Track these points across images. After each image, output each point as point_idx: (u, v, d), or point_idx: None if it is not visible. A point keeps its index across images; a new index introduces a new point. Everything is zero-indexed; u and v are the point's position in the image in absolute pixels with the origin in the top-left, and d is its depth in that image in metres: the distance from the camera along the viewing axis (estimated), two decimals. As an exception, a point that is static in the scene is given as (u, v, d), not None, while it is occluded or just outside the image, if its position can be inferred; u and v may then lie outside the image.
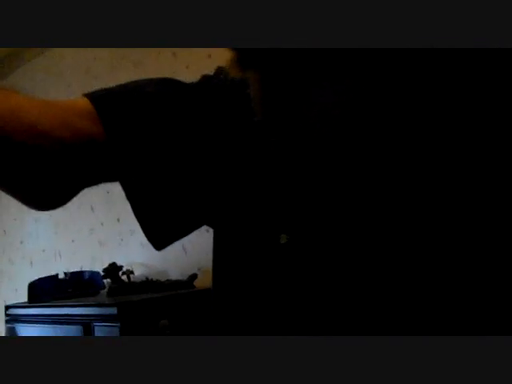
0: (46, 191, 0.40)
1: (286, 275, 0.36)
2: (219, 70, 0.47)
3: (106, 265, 1.64)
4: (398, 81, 0.34)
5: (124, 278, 1.52)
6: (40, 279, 1.61)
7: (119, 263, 1.57)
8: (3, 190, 0.39)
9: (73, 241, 2.04)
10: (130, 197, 0.42)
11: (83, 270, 1.73)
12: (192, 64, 1.74)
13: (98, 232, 1.91)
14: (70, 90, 2.20)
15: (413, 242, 0.32)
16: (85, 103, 0.40)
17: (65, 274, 1.66)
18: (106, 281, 1.56)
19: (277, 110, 0.38)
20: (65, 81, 2.23)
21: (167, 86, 0.44)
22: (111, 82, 1.71)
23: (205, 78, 0.46)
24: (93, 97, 0.41)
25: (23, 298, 1.86)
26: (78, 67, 2.16)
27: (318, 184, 0.36)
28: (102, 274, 1.53)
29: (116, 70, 1.99)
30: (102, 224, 1.90)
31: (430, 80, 0.33)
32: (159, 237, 0.44)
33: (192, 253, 1.54)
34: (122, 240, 1.80)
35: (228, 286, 0.42)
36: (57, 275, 1.65)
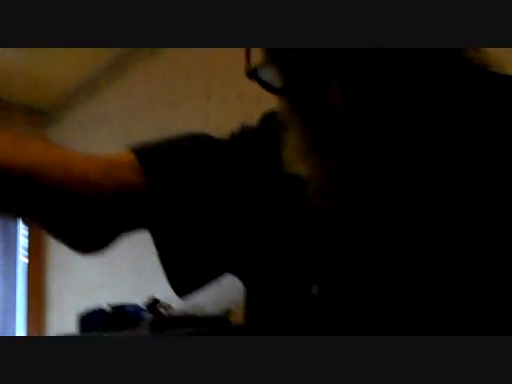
0: (90, 237, 0.43)
1: (317, 325, 0.38)
2: (244, 127, 0.50)
3: (145, 296, 1.73)
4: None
5: (163, 311, 1.61)
6: (88, 311, 1.73)
7: (157, 295, 1.65)
8: (49, 234, 0.42)
9: (115, 272, 2.16)
10: (157, 245, 0.44)
11: (125, 302, 1.83)
12: (223, 105, 1.85)
13: (138, 264, 2.02)
14: (113, 132, 2.37)
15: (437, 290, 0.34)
16: (129, 157, 0.43)
17: (108, 306, 1.76)
18: (146, 314, 1.65)
19: (315, 160, 0.38)
20: (108, 123, 2.40)
21: (200, 142, 0.47)
22: (150, 123, 1.85)
23: (233, 135, 0.49)
24: (136, 151, 0.44)
25: (70, 326, 1.98)
26: (121, 111, 2.33)
27: (348, 237, 0.38)
28: (143, 307, 1.62)
29: (155, 112, 2.14)
30: (142, 256, 2.00)
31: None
32: (183, 286, 0.46)
33: (226, 287, 1.60)
34: (160, 272, 1.89)
35: (260, 333, 0.43)
36: (102, 307, 1.75)
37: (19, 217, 0.43)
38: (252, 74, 0.36)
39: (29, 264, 2.60)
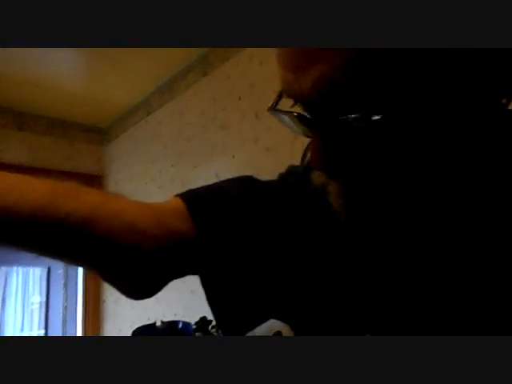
0: (139, 284, 0.43)
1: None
2: (291, 168, 0.50)
3: (196, 313, 1.78)
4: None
5: (214, 332, 1.64)
6: (142, 327, 1.80)
7: (208, 313, 1.69)
8: (102, 280, 0.43)
9: (167, 289, 2.23)
10: (207, 289, 0.45)
11: (176, 319, 1.88)
12: (273, 126, 1.87)
13: (189, 282, 2.07)
14: (166, 150, 2.46)
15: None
16: (177, 204, 0.44)
17: (161, 322, 1.82)
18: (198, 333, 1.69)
19: (359, 217, 0.38)
20: (162, 142, 2.49)
21: (249, 188, 0.47)
22: (201, 143, 1.89)
23: (280, 178, 0.50)
24: (184, 198, 0.45)
25: (126, 338, 2.06)
26: (173, 130, 2.41)
27: (401, 283, 0.38)
28: (194, 326, 1.66)
29: (206, 132, 2.19)
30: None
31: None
32: (232, 329, 0.46)
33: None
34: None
35: None
36: (154, 323, 1.82)
37: (72, 263, 0.44)
38: (273, 110, 0.38)
39: (86, 276, 2.75)
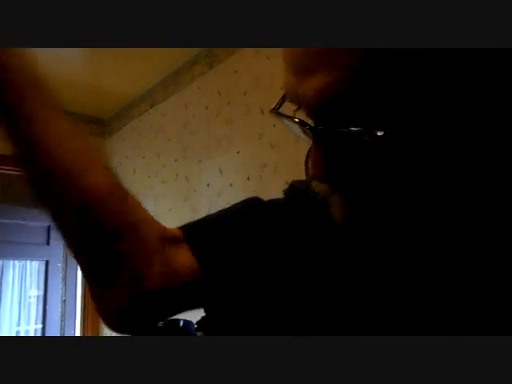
0: (133, 322, 0.44)
1: None
2: (294, 185, 0.49)
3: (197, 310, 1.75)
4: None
5: (215, 331, 1.61)
6: (141, 325, 1.77)
7: (210, 311, 1.66)
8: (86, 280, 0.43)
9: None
10: (211, 320, 0.45)
11: (177, 316, 1.86)
12: (278, 122, 1.83)
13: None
14: (170, 144, 2.42)
15: None
16: (181, 237, 0.44)
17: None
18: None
19: (361, 233, 0.37)
20: (165, 135, 2.45)
21: (252, 215, 0.46)
22: (205, 137, 1.86)
23: (285, 197, 0.48)
24: (187, 234, 0.44)
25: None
26: (178, 123, 2.37)
27: (404, 296, 0.37)
28: (195, 325, 1.63)
29: (210, 127, 2.15)
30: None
31: None
32: None
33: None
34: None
35: None
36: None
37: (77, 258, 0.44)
38: (276, 112, 0.38)
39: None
